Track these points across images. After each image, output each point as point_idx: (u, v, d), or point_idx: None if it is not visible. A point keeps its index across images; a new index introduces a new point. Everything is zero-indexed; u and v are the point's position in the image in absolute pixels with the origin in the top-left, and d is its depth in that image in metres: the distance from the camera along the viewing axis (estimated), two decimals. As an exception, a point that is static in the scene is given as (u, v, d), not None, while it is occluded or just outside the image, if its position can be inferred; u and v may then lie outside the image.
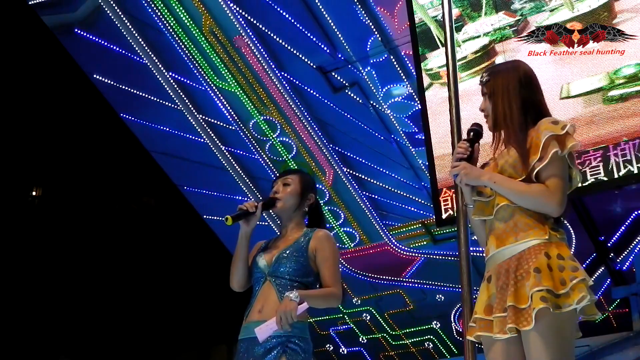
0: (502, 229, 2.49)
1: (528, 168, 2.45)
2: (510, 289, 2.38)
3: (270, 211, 3.19)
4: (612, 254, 7.42)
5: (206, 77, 8.32)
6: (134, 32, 8.06)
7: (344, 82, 8.29)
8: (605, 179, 5.38)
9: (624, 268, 7.40)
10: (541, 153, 2.43)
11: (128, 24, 8.01)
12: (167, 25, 8.04)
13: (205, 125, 8.56)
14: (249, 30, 8.07)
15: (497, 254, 2.49)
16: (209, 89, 8.39)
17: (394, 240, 8.67)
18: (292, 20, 7.99)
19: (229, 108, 8.48)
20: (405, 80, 8.00)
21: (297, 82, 8.34)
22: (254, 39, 8.10)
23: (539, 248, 2.40)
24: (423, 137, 6.72)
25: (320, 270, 3.01)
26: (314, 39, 8.06)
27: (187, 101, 8.43)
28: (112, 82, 8.40)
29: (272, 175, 8.23)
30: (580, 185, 2.62)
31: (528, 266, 2.38)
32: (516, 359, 2.43)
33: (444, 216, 6.26)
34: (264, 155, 8.64)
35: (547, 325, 2.32)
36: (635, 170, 5.34)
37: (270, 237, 3.24)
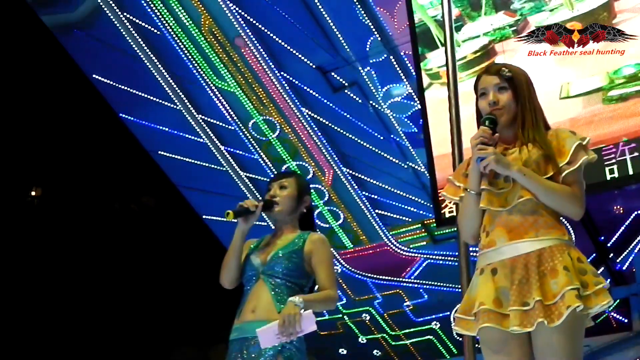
0: (518, 222, 2.47)
1: (555, 168, 2.49)
2: (534, 283, 2.37)
3: (266, 213, 3.20)
4: (612, 254, 7.42)
5: (205, 77, 8.32)
6: (134, 32, 8.05)
7: (344, 82, 8.28)
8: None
9: (624, 268, 7.40)
10: (571, 157, 2.49)
11: (127, 23, 8.00)
12: (166, 25, 8.04)
13: (204, 125, 8.56)
14: (248, 30, 8.07)
15: (508, 246, 2.47)
16: (208, 89, 8.38)
17: (393, 241, 8.66)
18: (292, 20, 7.98)
19: (228, 108, 8.47)
20: (405, 80, 7.99)
21: (296, 82, 8.34)
22: (254, 39, 8.10)
23: (562, 248, 2.42)
24: (423, 137, 6.71)
25: (317, 273, 3.03)
26: (314, 39, 8.05)
27: (186, 101, 8.42)
28: (111, 82, 8.39)
29: (272, 175, 8.22)
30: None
31: (553, 264, 2.39)
32: (527, 354, 2.43)
33: (443, 216, 6.25)
34: (264, 155, 8.64)
35: (572, 323, 2.34)
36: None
37: (263, 236, 3.24)
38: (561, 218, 2.53)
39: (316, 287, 3.10)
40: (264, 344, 2.82)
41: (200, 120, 8.52)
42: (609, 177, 5.35)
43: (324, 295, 2.98)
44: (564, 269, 2.36)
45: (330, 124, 8.42)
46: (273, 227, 3.24)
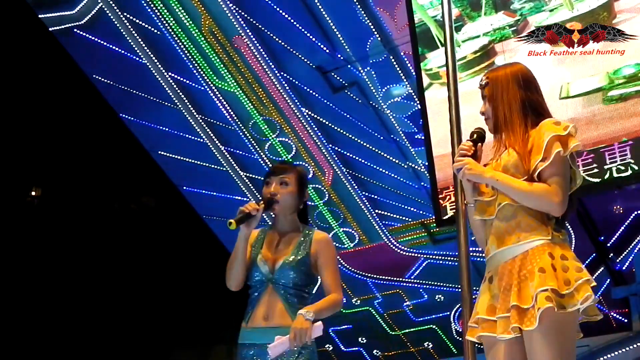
0: (503, 228, 2.50)
1: (530, 168, 2.48)
2: (513, 289, 2.39)
3: (266, 211, 3.14)
4: (612, 254, 7.41)
5: (205, 77, 8.32)
6: (134, 31, 8.05)
7: (344, 82, 8.28)
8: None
9: (624, 268, 7.40)
10: (544, 153, 2.46)
11: (127, 23, 8.00)
12: (166, 25, 8.04)
13: (204, 125, 8.56)
14: (248, 30, 8.07)
15: (499, 254, 2.50)
16: (208, 89, 8.38)
17: (393, 241, 8.66)
18: (292, 20, 7.98)
19: (228, 108, 8.47)
20: (404, 80, 7.99)
21: (296, 82, 8.34)
22: (253, 39, 8.10)
23: (543, 248, 2.42)
24: (423, 137, 6.71)
25: (322, 275, 3.04)
26: (314, 39, 8.05)
27: (186, 101, 8.42)
28: (111, 82, 8.39)
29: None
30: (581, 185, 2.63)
31: (532, 266, 2.39)
32: (518, 359, 2.43)
33: (443, 216, 6.25)
34: (264, 155, 8.64)
35: (550, 325, 2.33)
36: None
37: (264, 229, 3.20)
38: (550, 216, 2.50)
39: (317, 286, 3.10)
40: (273, 355, 2.85)
41: (200, 120, 8.52)
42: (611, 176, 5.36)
43: (331, 301, 2.98)
44: (539, 271, 2.36)
45: (330, 124, 8.42)
46: (270, 223, 3.21)
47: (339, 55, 8.16)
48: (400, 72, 7.99)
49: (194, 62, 8.21)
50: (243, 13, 7.99)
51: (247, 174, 8.73)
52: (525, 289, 2.37)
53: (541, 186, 2.45)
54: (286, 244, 3.08)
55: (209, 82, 8.34)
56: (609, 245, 7.41)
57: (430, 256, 8.59)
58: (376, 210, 8.66)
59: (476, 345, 3.53)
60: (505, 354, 2.44)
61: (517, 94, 2.58)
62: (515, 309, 2.35)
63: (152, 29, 8.08)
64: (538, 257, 2.40)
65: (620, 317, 7.58)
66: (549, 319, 2.32)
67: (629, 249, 7.34)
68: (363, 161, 8.49)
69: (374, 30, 7.88)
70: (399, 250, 8.66)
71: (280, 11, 7.93)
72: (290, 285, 2.98)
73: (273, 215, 3.18)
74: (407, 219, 8.56)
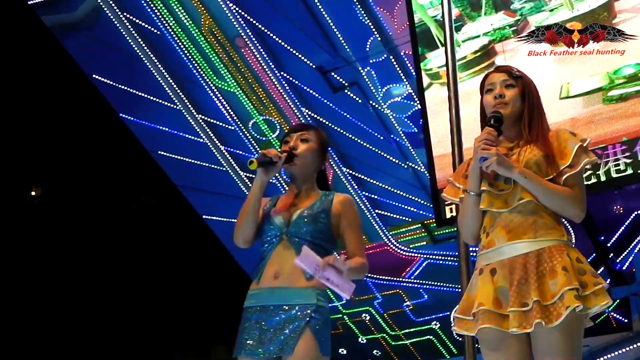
0: (517, 222, 2.49)
1: (556, 170, 2.51)
2: (533, 284, 2.38)
3: (285, 167, 2.83)
4: (612, 254, 7.42)
5: (205, 77, 8.32)
6: (134, 32, 8.06)
7: (344, 82, 8.29)
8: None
9: (624, 268, 7.40)
10: (572, 160, 2.50)
11: (127, 23, 8.01)
12: (166, 25, 8.04)
13: (204, 125, 8.56)
14: (248, 30, 8.07)
15: (508, 247, 2.48)
16: (208, 89, 8.39)
17: (393, 241, 8.67)
18: (292, 20, 7.99)
19: (228, 108, 8.48)
20: (404, 80, 8.00)
21: (296, 82, 8.34)
22: (254, 39, 8.10)
23: (561, 248, 2.44)
24: (423, 137, 6.72)
25: (346, 238, 2.78)
26: (314, 39, 8.06)
27: (186, 101, 8.43)
28: (111, 82, 8.39)
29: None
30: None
31: (552, 264, 2.40)
32: (526, 354, 2.44)
33: (443, 216, 6.25)
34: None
35: (569, 324, 2.35)
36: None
37: (277, 194, 2.98)
38: (562, 219, 2.54)
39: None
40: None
41: (200, 120, 8.53)
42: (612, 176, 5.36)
43: (360, 263, 2.70)
44: (562, 270, 2.37)
45: (330, 124, 8.42)
46: (286, 187, 2.97)
47: (339, 55, 8.17)
48: (400, 72, 8.00)
49: (194, 62, 8.22)
50: (243, 13, 7.99)
51: (247, 174, 8.73)
52: (544, 285, 2.38)
53: (569, 191, 2.49)
54: (303, 201, 2.82)
55: (209, 82, 8.35)
56: (609, 245, 7.42)
57: (430, 256, 8.60)
58: (376, 210, 8.66)
59: (476, 344, 3.53)
60: (518, 348, 2.44)
61: (542, 104, 2.67)
62: (538, 304, 2.36)
63: (152, 29, 8.08)
64: (558, 256, 2.41)
65: (620, 317, 7.59)
66: (571, 318, 2.34)
67: (629, 249, 7.35)
68: (363, 161, 8.50)
69: (374, 30, 7.89)
70: (399, 250, 8.67)
71: (280, 11, 7.93)
72: (306, 237, 2.71)
73: (290, 177, 2.91)
74: (407, 219, 8.56)
